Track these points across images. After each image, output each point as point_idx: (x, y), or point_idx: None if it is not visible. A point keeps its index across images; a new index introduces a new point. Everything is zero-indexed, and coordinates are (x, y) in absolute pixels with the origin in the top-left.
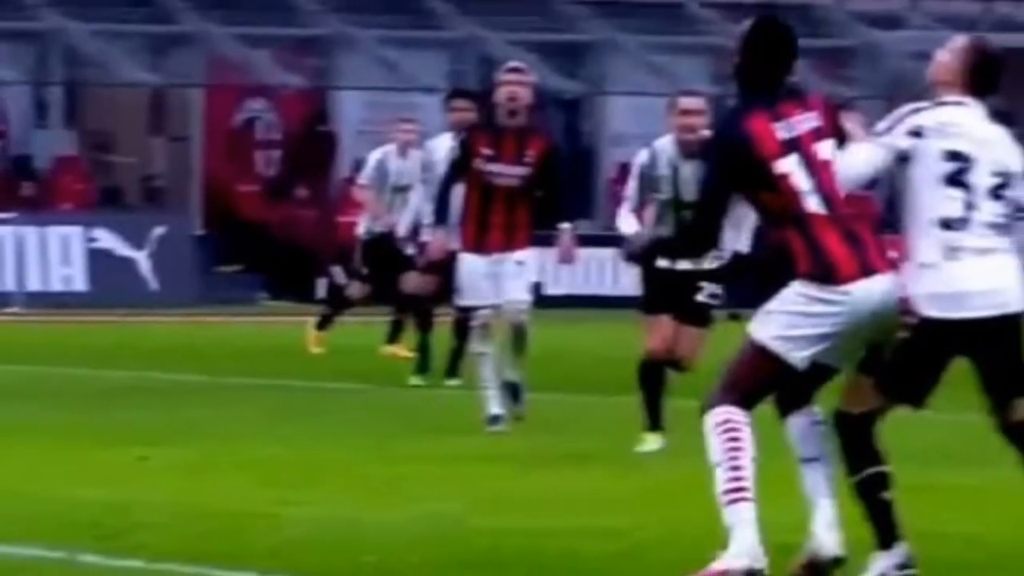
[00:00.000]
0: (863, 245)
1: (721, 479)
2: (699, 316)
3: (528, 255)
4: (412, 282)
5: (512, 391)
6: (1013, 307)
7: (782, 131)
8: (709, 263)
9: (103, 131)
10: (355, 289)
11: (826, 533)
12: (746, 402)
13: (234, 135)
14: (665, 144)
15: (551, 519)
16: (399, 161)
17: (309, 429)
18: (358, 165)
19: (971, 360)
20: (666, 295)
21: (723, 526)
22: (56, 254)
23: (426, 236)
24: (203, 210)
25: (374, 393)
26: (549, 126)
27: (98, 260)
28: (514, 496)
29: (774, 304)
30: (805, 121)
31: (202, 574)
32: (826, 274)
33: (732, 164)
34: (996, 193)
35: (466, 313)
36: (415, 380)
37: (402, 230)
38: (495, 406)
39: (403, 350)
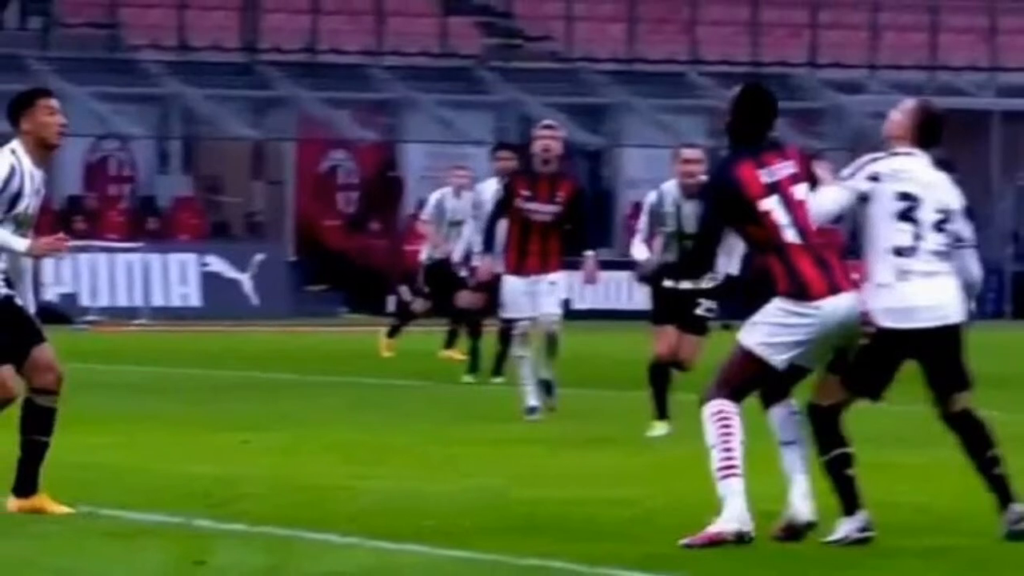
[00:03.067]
0: (831, 268)
1: (716, 458)
2: (698, 326)
3: (559, 277)
4: (465, 299)
5: (546, 387)
6: (953, 319)
7: (765, 176)
8: (706, 283)
9: (214, 176)
10: (418, 304)
11: (801, 502)
12: (736, 396)
13: (320, 179)
14: (670, 187)
15: (577, 490)
16: (454, 201)
17: (381, 417)
18: (421, 204)
19: (919, 362)
20: (671, 309)
21: (718, 496)
22: (175, 276)
23: (476, 261)
24: (295, 240)
25: (433, 389)
26: (576, 172)
27: (209, 281)
28: (547, 472)
29: (758, 317)
30: (784, 168)
31: (294, 536)
32: (801, 292)
33: (724, 203)
34: (939, 227)
35: (509, 324)
36: (467, 378)
37: (456, 257)
38: (532, 399)
39: (457, 354)
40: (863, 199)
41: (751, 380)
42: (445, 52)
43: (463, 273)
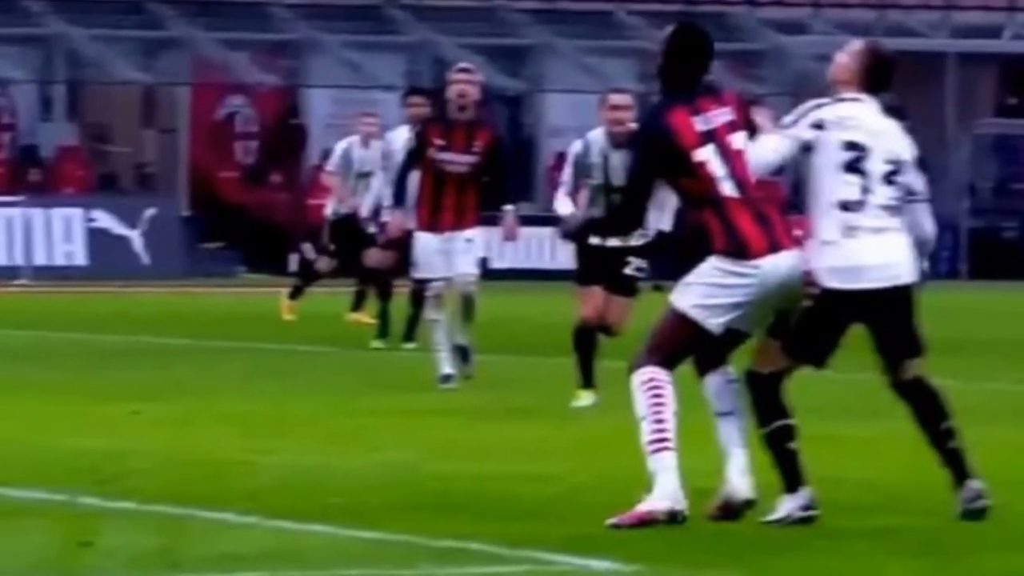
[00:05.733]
0: (772, 224)
1: (646, 431)
2: (627, 287)
3: (476, 233)
4: (373, 257)
5: (462, 353)
6: (903, 279)
7: (700, 124)
8: (636, 240)
9: (101, 124)
10: (323, 263)
11: (739, 478)
12: (668, 363)
13: (216, 127)
14: (597, 135)
15: (495, 465)
16: (362, 151)
17: (282, 386)
18: (326, 154)
19: (866, 326)
20: (598, 269)
21: (648, 472)
22: (59, 233)
23: (386, 217)
24: (189, 194)
25: (339, 355)
26: (494, 120)
27: (96, 238)
28: (463, 445)
29: (693, 277)
30: (720, 115)
31: (188, 514)
32: (739, 250)
33: (656, 153)
34: (889, 179)
35: (421, 284)
36: (376, 344)
37: (365, 211)
38: (447, 366)
39: (365, 317)
40: (806, 149)
41: (685, 346)
42: None
43: (372, 229)
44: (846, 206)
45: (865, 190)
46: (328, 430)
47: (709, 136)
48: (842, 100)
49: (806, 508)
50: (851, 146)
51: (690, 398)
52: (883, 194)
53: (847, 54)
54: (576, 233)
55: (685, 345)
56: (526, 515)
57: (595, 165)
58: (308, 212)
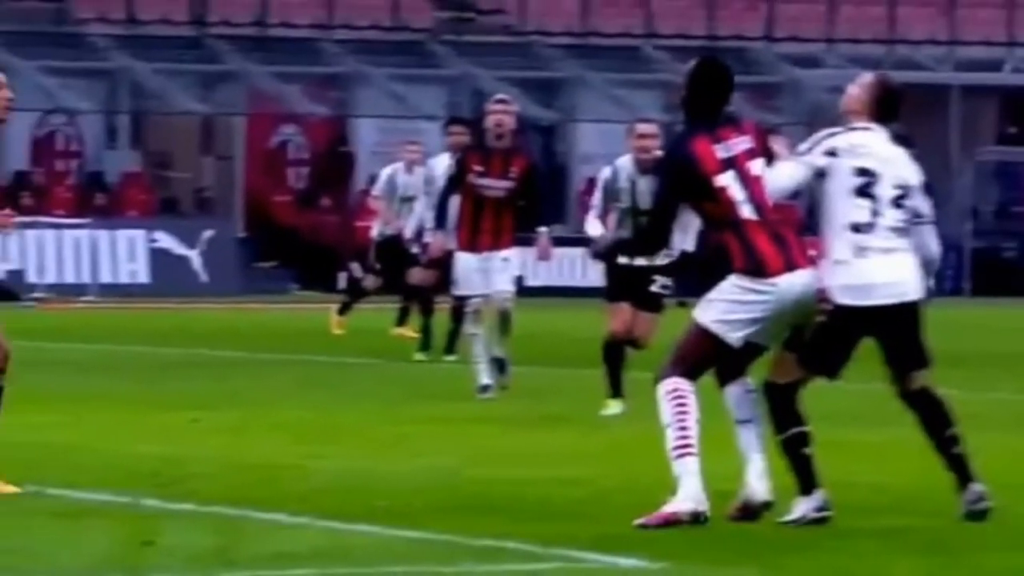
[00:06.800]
0: (788, 245)
1: (671, 437)
2: (653, 304)
3: (512, 253)
4: (416, 275)
5: (499, 365)
6: (911, 296)
7: (721, 151)
8: (661, 260)
9: (162, 152)
10: (369, 281)
11: (757, 482)
12: (691, 374)
13: (270, 155)
14: (625, 162)
15: (530, 470)
16: (406, 176)
17: (331, 396)
18: (372, 179)
19: (876, 340)
20: (626, 286)
21: (672, 476)
22: (124, 253)
23: (428, 238)
24: (244, 216)
25: (385, 367)
26: (529, 148)
27: (158, 258)
28: (499, 451)
29: (714, 294)
30: (740, 143)
31: (243, 515)
32: (757, 269)
33: (680, 179)
34: (897, 203)
35: (461, 301)
36: (419, 356)
37: (408, 233)
38: (485, 377)
39: (409, 331)
40: (820, 174)
41: (706, 358)
42: (397, 25)
43: (415, 250)
44: (857, 228)
45: (875, 213)
46: (374, 437)
47: (729, 163)
48: (854, 129)
49: (820, 509)
50: (862, 172)
51: (712, 407)
52: (892, 217)
53: (858, 86)
54: (605, 253)
55: (707, 357)
56: (559, 516)
57: (623, 190)
58: (356, 234)
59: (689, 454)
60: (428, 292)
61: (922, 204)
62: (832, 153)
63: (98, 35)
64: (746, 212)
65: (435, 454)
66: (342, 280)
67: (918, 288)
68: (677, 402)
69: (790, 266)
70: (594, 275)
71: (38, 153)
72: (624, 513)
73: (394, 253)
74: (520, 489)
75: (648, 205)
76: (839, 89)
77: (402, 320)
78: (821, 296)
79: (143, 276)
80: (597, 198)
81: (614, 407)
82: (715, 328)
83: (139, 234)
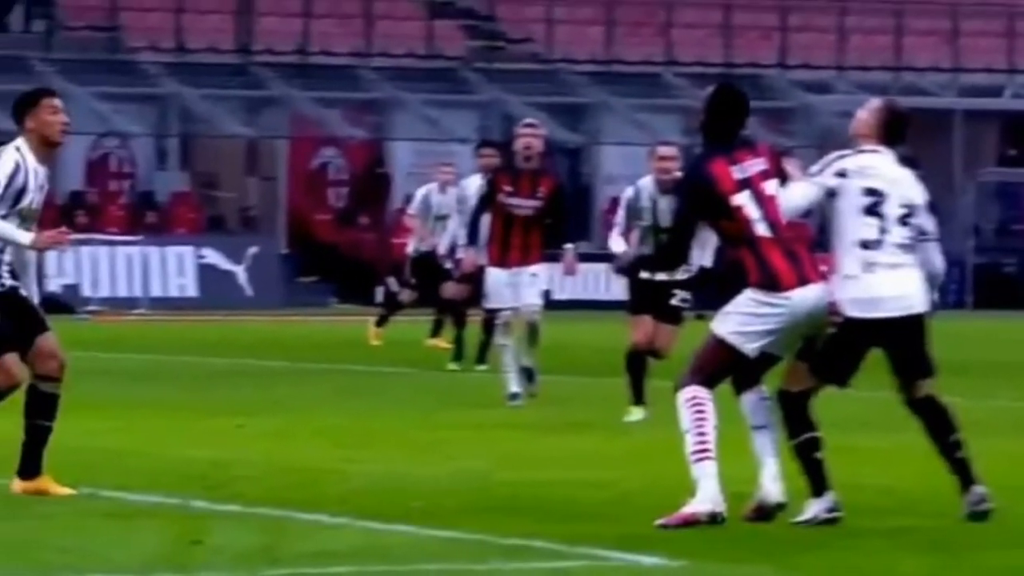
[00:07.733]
0: (800, 261)
1: (690, 442)
2: (673, 316)
3: (540, 268)
4: (450, 290)
5: (527, 374)
6: (916, 309)
7: (737, 173)
8: (681, 275)
9: (209, 173)
10: (405, 295)
11: (771, 484)
12: (709, 382)
13: (311, 176)
14: (646, 183)
15: (556, 473)
16: (439, 196)
17: (369, 403)
18: (408, 199)
19: (884, 350)
20: (647, 300)
21: (691, 479)
22: (173, 268)
23: (461, 254)
24: (287, 234)
25: (420, 376)
26: (556, 169)
27: (205, 273)
28: (528, 455)
29: (731, 307)
30: (755, 165)
31: (286, 516)
32: (771, 283)
33: (698, 198)
34: (904, 221)
35: (492, 313)
36: (452, 366)
37: (442, 249)
38: (514, 385)
39: (443, 342)
40: (831, 194)
41: (724, 367)
42: (431, 54)
43: (448, 265)
44: (866, 244)
45: (882, 231)
46: (409, 441)
47: (745, 183)
48: (862, 151)
49: (831, 510)
50: (870, 192)
51: (728, 413)
52: (898, 234)
53: (867, 111)
54: (628, 269)
55: (724, 367)
56: (583, 516)
57: (645, 209)
58: (392, 250)
59: (707, 458)
60: (461, 305)
61: (927, 222)
62: (842, 174)
63: (149, 62)
64: (761, 230)
65: (467, 458)
66: (379, 294)
67: (923, 301)
68: (696, 409)
69: (803, 281)
70: (617, 289)
71: (92, 174)
72: (646, 514)
73: (428, 268)
74: (547, 491)
75: (668, 223)
76: (848, 114)
77: (436, 332)
78: (832, 309)
79: (191, 290)
80: (620, 216)
81: (636, 413)
82: (732, 339)
83: (187, 250)
